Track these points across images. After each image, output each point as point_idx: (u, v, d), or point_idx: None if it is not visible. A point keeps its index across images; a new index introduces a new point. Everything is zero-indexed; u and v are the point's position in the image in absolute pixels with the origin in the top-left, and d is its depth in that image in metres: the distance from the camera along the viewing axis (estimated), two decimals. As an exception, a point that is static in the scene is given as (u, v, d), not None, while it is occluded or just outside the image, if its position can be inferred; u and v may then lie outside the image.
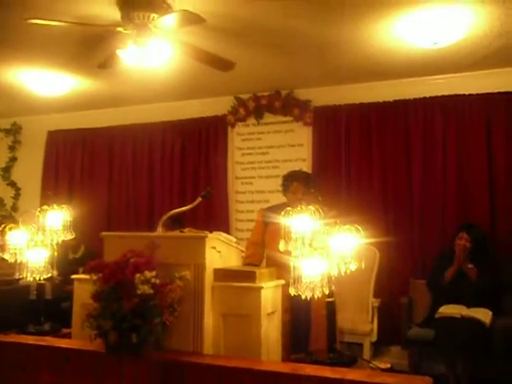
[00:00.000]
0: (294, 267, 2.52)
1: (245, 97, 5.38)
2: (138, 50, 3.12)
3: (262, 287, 2.68)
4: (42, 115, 6.34)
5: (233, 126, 5.45)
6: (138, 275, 2.58)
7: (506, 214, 4.40)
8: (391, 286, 4.65)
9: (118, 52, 3.20)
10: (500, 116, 4.46)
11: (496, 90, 4.46)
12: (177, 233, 2.99)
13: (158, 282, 2.64)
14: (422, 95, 4.69)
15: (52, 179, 6.29)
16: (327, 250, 2.54)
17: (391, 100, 4.80)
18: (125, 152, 5.93)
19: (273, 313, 2.84)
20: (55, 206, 3.14)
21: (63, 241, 4.39)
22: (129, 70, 4.28)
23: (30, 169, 6.49)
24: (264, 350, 2.70)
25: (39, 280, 3.12)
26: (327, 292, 2.51)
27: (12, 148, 6.62)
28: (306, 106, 5.13)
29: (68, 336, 3.08)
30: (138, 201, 5.75)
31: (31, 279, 3.08)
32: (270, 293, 2.79)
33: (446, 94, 4.62)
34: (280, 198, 5.12)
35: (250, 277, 2.73)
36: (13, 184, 6.60)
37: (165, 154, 5.70)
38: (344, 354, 2.72)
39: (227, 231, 5.24)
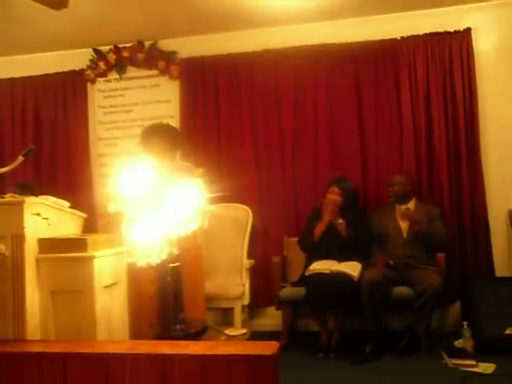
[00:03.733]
0: (125, 231, 2.19)
1: (105, 49, 4.83)
2: None
3: (93, 256, 2.32)
4: None
5: (92, 81, 4.89)
6: None
7: (376, 166, 4.35)
8: (266, 245, 4.47)
9: None
10: (368, 65, 4.34)
11: (365, 39, 4.32)
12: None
13: (-39, 259, 2.19)
14: (292, 44, 4.44)
15: None
16: (165, 211, 2.23)
17: (260, 50, 4.51)
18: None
19: (113, 285, 2.50)
20: None
21: None
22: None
23: None
24: (102, 328, 2.37)
25: None
26: (163, 257, 2.20)
27: None
28: (172, 57, 4.70)
29: None
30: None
31: None
32: (107, 262, 2.44)
33: (316, 43, 4.41)
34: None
35: (81, 245, 2.36)
36: None
37: (15, 114, 5.00)
38: (194, 324, 2.46)
39: (92, 198, 4.78)
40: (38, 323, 2.34)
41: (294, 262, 4.38)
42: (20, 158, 2.60)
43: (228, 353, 1.92)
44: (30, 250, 2.33)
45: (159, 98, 4.77)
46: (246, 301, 4.08)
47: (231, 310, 4.06)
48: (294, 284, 4.03)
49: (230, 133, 4.58)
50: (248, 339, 2.53)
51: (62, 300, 2.35)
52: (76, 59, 4.88)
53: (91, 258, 2.31)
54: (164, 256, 2.20)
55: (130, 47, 4.76)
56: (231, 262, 4.29)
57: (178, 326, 2.35)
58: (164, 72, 4.73)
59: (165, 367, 1.95)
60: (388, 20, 4.29)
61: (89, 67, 4.87)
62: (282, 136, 4.50)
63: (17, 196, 2.58)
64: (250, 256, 4.35)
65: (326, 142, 4.41)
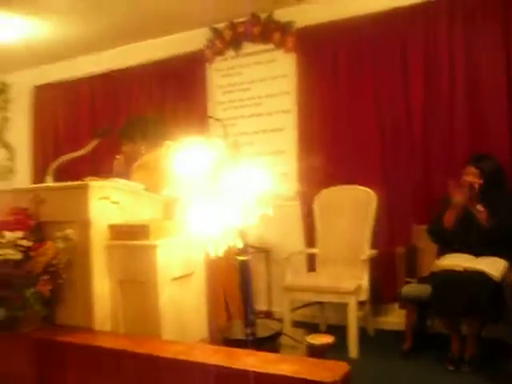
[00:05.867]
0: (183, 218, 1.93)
1: (221, 27, 4.66)
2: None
3: (155, 245, 2.10)
4: (25, 70, 5.95)
5: (210, 61, 4.76)
6: (-4, 238, 2.09)
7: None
8: (391, 234, 3.91)
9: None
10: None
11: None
12: (62, 183, 2.44)
13: (30, 244, 2.15)
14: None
15: (40, 135, 5.93)
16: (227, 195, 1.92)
17: (387, 9, 3.90)
18: (107, 100, 5.42)
19: (186, 276, 2.27)
20: None
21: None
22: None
23: (21, 128, 6.17)
24: (171, 323, 2.16)
25: None
26: (225, 247, 1.89)
27: (2, 108, 6.31)
28: (288, 28, 4.33)
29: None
30: (119, 149, 5.26)
31: None
32: (177, 251, 2.21)
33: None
34: (265, 139, 4.51)
35: (143, 232, 2.15)
36: (7, 145, 6.33)
37: (143, 99, 5.13)
38: (266, 327, 2.12)
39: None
40: (108, 313, 2.21)
41: (426, 254, 3.77)
42: (95, 141, 2.48)
43: (280, 373, 1.55)
44: (99, 235, 2.20)
45: (275, 74, 4.46)
46: (364, 296, 3.59)
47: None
48: (421, 280, 3.45)
49: (351, 108, 4.09)
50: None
51: (130, 290, 2.18)
52: (194, 40, 4.80)
53: (153, 246, 2.10)
54: (224, 247, 1.88)
55: (245, 21, 4.51)
56: (349, 251, 3.83)
57: (248, 330, 2.04)
58: (279, 45, 4.40)
59: (214, 379, 1.66)
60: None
61: (206, 47, 4.75)
62: (410, 109, 3.86)
63: (96, 179, 2.48)
64: (372, 245, 3.84)
65: (465, 113, 3.67)
